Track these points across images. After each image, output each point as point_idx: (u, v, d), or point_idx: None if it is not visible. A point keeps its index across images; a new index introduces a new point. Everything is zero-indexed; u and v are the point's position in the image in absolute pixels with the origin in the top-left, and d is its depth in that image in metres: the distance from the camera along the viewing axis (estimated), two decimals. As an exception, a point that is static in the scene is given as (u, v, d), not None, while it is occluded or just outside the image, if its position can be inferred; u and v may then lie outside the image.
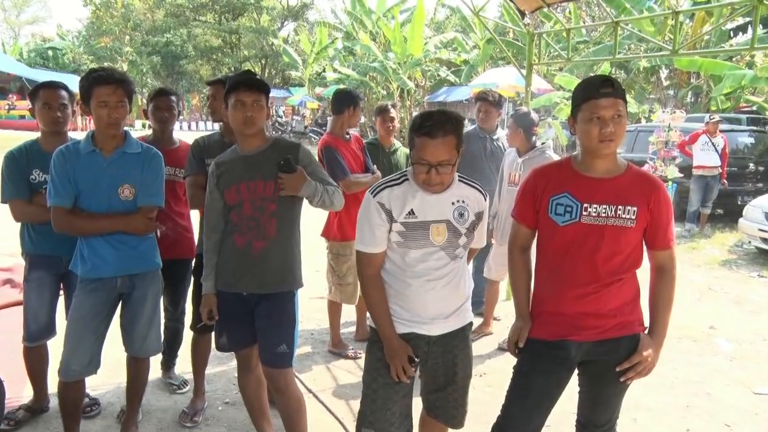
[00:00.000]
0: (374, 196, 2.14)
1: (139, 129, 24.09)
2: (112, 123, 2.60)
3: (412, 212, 2.11)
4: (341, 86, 17.77)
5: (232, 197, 2.54)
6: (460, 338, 2.26)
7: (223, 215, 2.59)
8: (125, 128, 2.77)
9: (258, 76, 2.57)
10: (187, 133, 25.36)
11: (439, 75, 25.48)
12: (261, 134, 2.58)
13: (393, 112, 4.38)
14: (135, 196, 2.68)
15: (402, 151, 4.46)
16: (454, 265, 2.18)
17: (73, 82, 3.27)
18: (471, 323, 2.31)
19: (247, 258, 2.54)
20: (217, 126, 3.36)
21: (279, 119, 29.76)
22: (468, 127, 4.33)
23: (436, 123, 2.01)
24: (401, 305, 2.18)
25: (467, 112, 26.63)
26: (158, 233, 2.85)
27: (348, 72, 25.30)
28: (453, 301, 2.21)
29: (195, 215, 3.28)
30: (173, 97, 3.45)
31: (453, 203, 2.15)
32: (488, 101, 4.72)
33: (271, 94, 2.66)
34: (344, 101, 3.95)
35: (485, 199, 2.25)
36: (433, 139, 2.00)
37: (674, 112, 9.94)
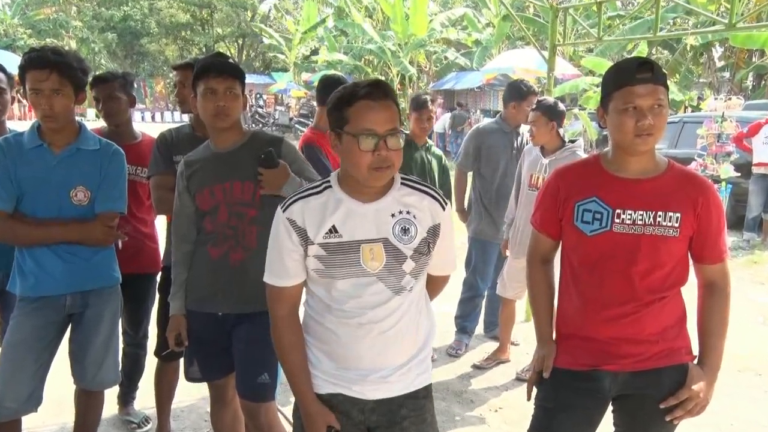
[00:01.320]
0: (283, 211, 1.91)
1: (92, 119, 24.05)
2: (46, 115, 2.57)
3: (333, 229, 1.86)
4: (331, 72, 17.79)
5: (206, 201, 2.55)
6: (412, 407, 1.97)
7: (194, 222, 2.60)
8: (79, 119, 2.78)
9: (232, 59, 2.58)
10: (150, 124, 25.32)
11: (446, 58, 25.56)
12: (236, 127, 2.60)
13: (432, 109, 4.38)
14: (90, 201, 2.68)
15: (436, 153, 4.47)
16: (399, 300, 1.90)
17: (8, 61, 3.27)
18: (428, 387, 2.04)
19: (224, 272, 2.54)
20: (186, 117, 3.38)
21: (259, 110, 29.76)
22: (481, 119, 4.31)
23: (371, 84, 1.84)
24: (325, 352, 1.95)
25: (479, 101, 26.74)
26: (119, 244, 2.85)
27: (339, 57, 25.34)
28: (398, 353, 1.94)
29: (161, 222, 3.28)
30: (117, 82, 3.39)
31: (393, 215, 1.89)
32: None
33: (249, 80, 2.67)
34: (331, 90, 3.93)
35: (444, 208, 1.97)
36: (377, 101, 1.81)
37: (729, 99, 9.85)
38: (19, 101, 3.12)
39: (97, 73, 3.53)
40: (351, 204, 1.89)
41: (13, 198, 2.60)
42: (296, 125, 25.93)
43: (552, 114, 4.13)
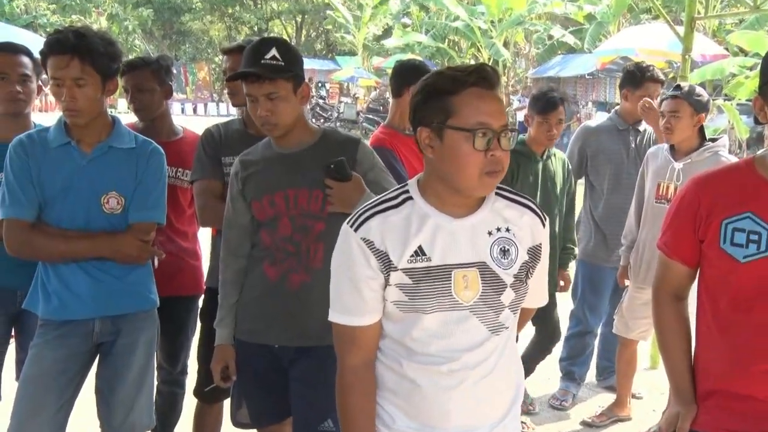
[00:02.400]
0: (356, 230, 1.83)
1: (125, 112, 24.91)
2: (68, 108, 2.62)
3: (420, 251, 1.81)
4: (409, 57, 17.88)
5: (264, 211, 2.60)
6: None
7: (249, 234, 2.65)
8: (111, 113, 2.86)
9: (286, 43, 2.59)
10: (192, 118, 25.95)
11: (550, 38, 25.38)
12: (300, 126, 2.64)
13: (563, 112, 4.21)
14: (124, 209, 2.75)
15: (559, 157, 4.37)
16: (497, 341, 1.87)
17: (29, 42, 3.36)
18: None
19: (282, 296, 2.58)
20: (235, 111, 3.41)
21: (321, 101, 30.20)
22: (594, 114, 4.19)
23: (480, 69, 1.79)
24: (401, 408, 1.89)
25: (591, 91, 26.38)
26: (156, 261, 2.92)
27: (417, 38, 25.41)
28: (494, 406, 1.91)
29: (204, 235, 3.33)
30: (149, 70, 3.41)
31: (490, 233, 1.85)
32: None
33: (310, 66, 2.71)
34: (407, 78, 3.91)
35: (544, 225, 1.97)
36: (489, 90, 1.78)
37: None
38: (41, 89, 3.23)
39: (130, 57, 3.60)
40: (440, 219, 1.84)
41: (35, 205, 2.68)
42: (365, 122, 26.13)
43: (700, 105, 4.01)
